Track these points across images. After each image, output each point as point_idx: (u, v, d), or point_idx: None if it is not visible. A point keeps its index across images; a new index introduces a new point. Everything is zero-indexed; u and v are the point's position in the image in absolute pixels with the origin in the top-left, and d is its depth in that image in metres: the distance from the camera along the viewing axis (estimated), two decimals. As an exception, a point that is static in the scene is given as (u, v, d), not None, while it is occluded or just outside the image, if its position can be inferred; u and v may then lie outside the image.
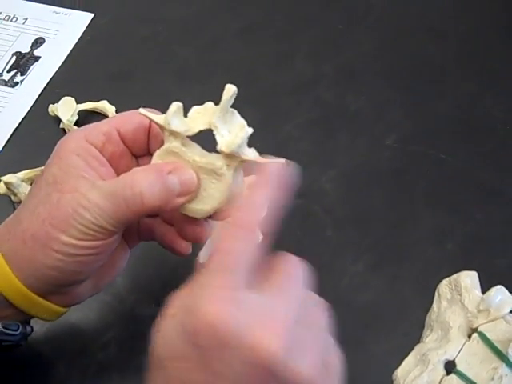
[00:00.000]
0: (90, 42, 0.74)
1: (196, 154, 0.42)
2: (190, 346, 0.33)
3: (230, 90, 0.41)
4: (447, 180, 0.60)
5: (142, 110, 0.43)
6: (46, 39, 0.75)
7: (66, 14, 0.77)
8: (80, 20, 0.76)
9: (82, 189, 0.41)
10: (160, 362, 0.35)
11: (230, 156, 0.41)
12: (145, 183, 0.41)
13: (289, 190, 0.39)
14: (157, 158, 0.43)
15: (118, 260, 0.48)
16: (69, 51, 0.73)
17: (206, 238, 0.46)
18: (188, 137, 0.42)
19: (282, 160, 0.41)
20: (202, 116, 0.42)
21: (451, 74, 0.68)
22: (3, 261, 0.42)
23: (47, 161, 0.44)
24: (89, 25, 0.76)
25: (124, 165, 0.45)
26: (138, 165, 0.46)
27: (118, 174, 0.43)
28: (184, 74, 0.70)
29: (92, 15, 0.77)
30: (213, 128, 0.41)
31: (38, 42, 0.75)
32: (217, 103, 0.42)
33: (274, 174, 0.39)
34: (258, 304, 0.34)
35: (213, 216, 0.44)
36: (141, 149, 0.45)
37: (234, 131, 0.41)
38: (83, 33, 0.75)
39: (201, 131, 0.42)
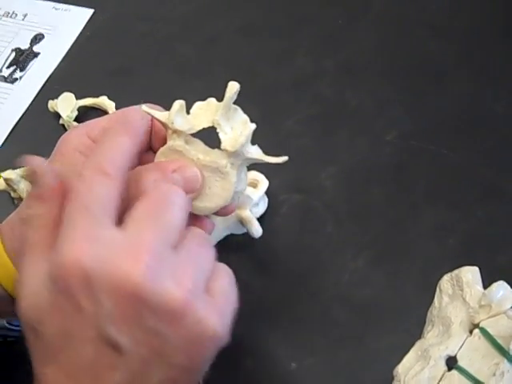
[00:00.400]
0: (89, 38, 0.74)
1: (200, 151, 0.42)
2: (59, 293, 0.34)
3: (234, 87, 0.40)
4: (448, 176, 0.59)
5: (144, 107, 0.42)
6: (46, 35, 0.75)
7: (65, 10, 0.77)
8: (80, 16, 0.76)
9: None
10: (33, 326, 0.35)
11: (235, 154, 0.41)
12: (149, 182, 0.40)
13: (145, 137, 0.41)
14: (160, 155, 0.42)
15: None
16: (68, 47, 0.73)
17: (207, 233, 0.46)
18: (191, 134, 0.42)
19: (286, 158, 0.41)
20: (205, 112, 0.42)
21: (452, 70, 0.68)
22: (7, 258, 0.42)
23: (49, 158, 0.44)
24: (88, 21, 0.76)
25: None
26: (140, 161, 0.45)
27: None
28: (184, 70, 0.70)
29: (92, 11, 0.76)
30: (216, 126, 0.41)
31: (38, 38, 0.75)
32: (217, 99, 0.42)
33: (133, 120, 0.41)
34: (121, 237, 0.35)
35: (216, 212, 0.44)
36: (143, 145, 0.45)
37: (237, 128, 0.41)
38: (83, 29, 0.75)
39: (204, 128, 0.42)
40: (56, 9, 0.77)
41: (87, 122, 0.45)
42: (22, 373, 0.51)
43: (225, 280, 0.38)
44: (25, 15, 0.77)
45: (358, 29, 0.72)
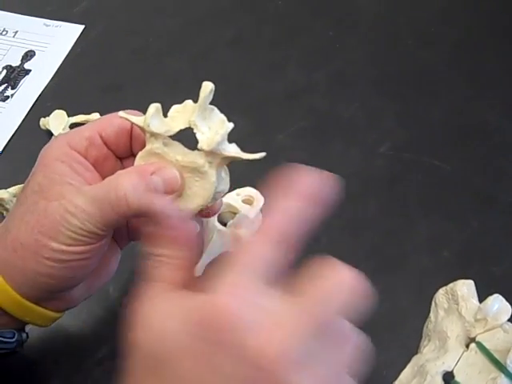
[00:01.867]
0: (80, 55, 0.74)
1: (178, 153, 0.42)
2: (198, 340, 0.32)
3: (207, 88, 0.41)
4: (442, 187, 0.59)
5: (121, 113, 0.43)
6: (37, 52, 0.75)
7: (56, 27, 0.77)
8: (70, 32, 0.76)
9: (68, 195, 0.41)
10: (156, 360, 0.33)
11: (212, 153, 0.41)
12: (129, 185, 0.41)
13: (324, 204, 0.38)
14: (139, 159, 0.43)
15: (109, 262, 0.48)
16: (59, 64, 0.73)
17: (192, 237, 0.44)
18: (169, 136, 0.42)
19: (263, 154, 0.41)
20: (182, 114, 0.42)
21: (444, 80, 0.68)
22: None
23: (32, 169, 0.44)
24: (79, 37, 0.75)
25: (109, 168, 0.45)
26: (123, 166, 0.46)
27: (104, 178, 0.43)
28: (175, 84, 0.70)
29: (82, 27, 0.76)
30: (193, 126, 0.41)
31: (29, 55, 0.74)
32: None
33: (310, 185, 0.38)
34: (271, 306, 0.33)
35: (198, 213, 0.44)
36: (124, 151, 0.45)
37: (214, 127, 0.42)
38: (74, 45, 0.75)
39: (181, 130, 0.42)
40: (47, 25, 0.77)
41: (67, 132, 0.45)
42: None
43: None
44: (15, 32, 0.77)
45: (349, 40, 0.72)
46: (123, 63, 0.73)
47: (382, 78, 0.69)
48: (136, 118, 0.42)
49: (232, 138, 0.63)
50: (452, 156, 0.61)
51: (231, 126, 0.42)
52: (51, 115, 0.66)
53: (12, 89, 0.71)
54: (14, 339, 0.47)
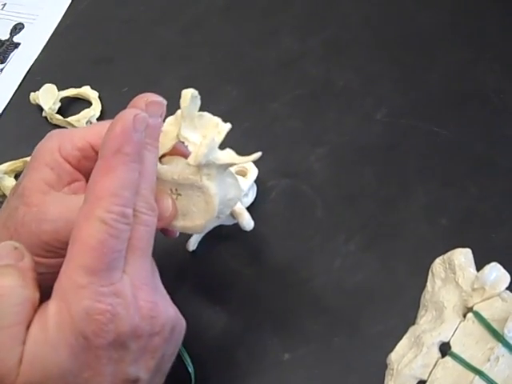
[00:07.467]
0: (69, 27, 0.73)
1: (175, 171, 0.40)
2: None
3: (187, 96, 0.39)
4: (440, 153, 0.58)
5: None
6: (26, 25, 0.73)
7: (44, -2, 0.75)
8: (59, 3, 0.75)
9: (49, 202, 0.40)
10: None
11: (205, 166, 0.39)
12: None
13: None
14: None
15: None
16: (49, 36, 0.72)
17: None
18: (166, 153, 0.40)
19: (259, 154, 0.39)
20: (175, 127, 0.40)
21: (441, 44, 0.66)
22: None
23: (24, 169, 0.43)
24: (68, 8, 0.74)
25: None
26: None
27: None
28: (167, 55, 0.69)
29: (71, -2, 0.75)
30: (183, 140, 0.39)
31: (18, 28, 0.73)
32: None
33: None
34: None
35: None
36: None
37: (210, 134, 0.39)
38: (63, 17, 0.73)
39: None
40: (35, -3, 0.76)
41: (61, 134, 0.43)
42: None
43: None
44: (4, 4, 0.76)
45: (344, 4, 0.70)
46: (113, 34, 0.71)
47: (378, 42, 0.67)
48: None
49: (226, 107, 0.62)
50: (450, 121, 0.60)
51: (227, 127, 0.39)
52: (41, 89, 0.65)
53: (1, 63, 0.70)
54: None
